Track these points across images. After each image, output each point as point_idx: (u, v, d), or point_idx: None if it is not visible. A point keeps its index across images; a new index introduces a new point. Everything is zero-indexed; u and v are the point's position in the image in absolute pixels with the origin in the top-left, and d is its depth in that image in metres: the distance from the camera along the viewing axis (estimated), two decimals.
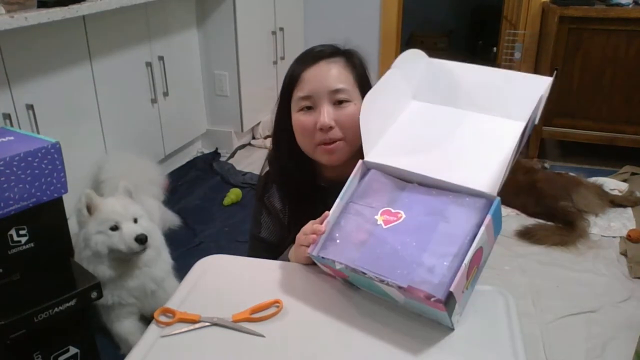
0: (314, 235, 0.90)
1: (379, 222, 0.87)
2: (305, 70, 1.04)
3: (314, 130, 1.04)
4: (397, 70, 0.99)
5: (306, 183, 1.13)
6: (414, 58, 1.03)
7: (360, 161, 0.95)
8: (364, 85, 1.09)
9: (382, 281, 0.79)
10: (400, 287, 0.77)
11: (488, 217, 0.80)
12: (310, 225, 0.94)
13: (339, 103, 1.04)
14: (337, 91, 1.03)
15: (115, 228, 1.53)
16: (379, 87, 0.97)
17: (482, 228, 0.79)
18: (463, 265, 0.76)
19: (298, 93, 1.05)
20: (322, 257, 0.87)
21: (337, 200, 0.92)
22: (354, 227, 0.88)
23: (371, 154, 0.95)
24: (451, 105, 0.98)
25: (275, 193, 1.18)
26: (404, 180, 0.92)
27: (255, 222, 1.22)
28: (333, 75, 1.04)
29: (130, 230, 1.53)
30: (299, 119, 1.06)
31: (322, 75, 1.04)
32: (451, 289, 0.74)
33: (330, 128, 1.03)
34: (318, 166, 1.14)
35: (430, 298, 0.75)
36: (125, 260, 1.59)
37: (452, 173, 0.87)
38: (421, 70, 1.02)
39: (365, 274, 0.80)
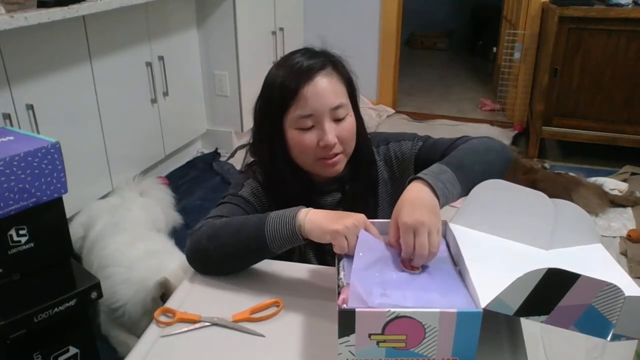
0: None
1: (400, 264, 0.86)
2: (303, 86, 1.01)
3: (316, 147, 1.04)
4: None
5: (303, 186, 1.11)
6: None
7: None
8: (351, 89, 1.09)
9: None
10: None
11: (452, 310, 0.72)
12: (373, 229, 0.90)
13: (339, 119, 1.04)
14: (337, 107, 1.03)
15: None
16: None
17: (437, 310, 0.72)
18: (390, 309, 0.72)
19: (297, 111, 1.02)
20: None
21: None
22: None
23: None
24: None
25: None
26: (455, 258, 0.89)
27: (236, 185, 1.15)
28: (331, 91, 1.03)
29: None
30: (299, 137, 1.04)
31: (321, 94, 1.02)
32: (357, 308, 0.73)
33: (334, 145, 1.04)
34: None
35: (343, 303, 0.75)
36: None
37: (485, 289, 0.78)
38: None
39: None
